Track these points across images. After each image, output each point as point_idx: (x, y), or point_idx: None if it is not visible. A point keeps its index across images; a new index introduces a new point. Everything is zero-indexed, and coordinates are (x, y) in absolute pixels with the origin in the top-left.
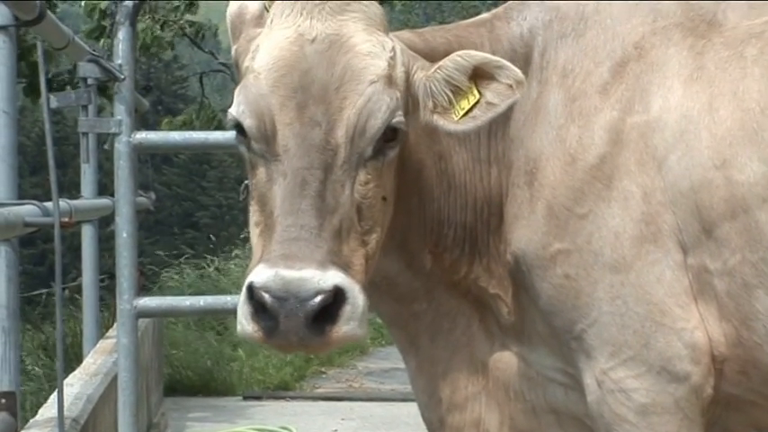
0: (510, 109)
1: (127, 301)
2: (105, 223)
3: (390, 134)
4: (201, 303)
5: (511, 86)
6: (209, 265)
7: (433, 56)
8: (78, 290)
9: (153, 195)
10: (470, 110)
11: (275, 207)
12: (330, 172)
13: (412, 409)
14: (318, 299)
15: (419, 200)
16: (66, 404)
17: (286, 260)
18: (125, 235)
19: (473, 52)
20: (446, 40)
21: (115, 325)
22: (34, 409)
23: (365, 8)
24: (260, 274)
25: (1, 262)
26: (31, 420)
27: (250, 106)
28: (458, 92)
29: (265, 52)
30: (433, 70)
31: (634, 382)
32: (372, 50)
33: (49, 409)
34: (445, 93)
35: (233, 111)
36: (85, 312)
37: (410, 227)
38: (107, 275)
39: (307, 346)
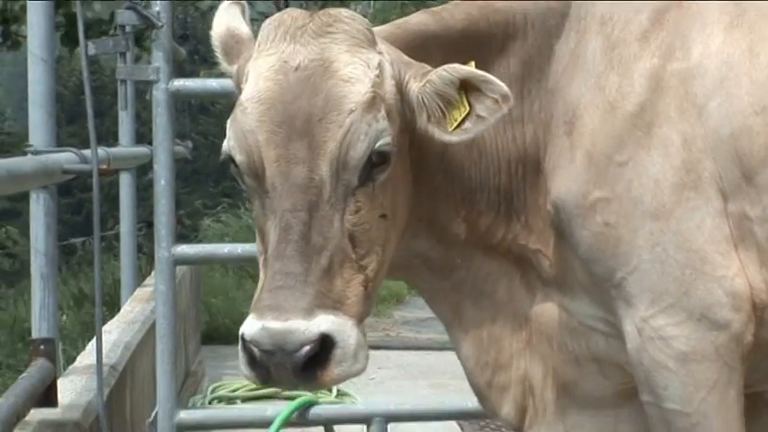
0: (545, 63)
1: (165, 248)
2: (143, 172)
3: (378, 159)
4: (239, 251)
5: (497, 101)
6: (245, 214)
7: (448, 37)
8: (116, 238)
9: (190, 144)
10: (462, 122)
11: (269, 246)
12: (316, 210)
13: (449, 357)
14: (304, 350)
15: (444, 177)
16: (104, 351)
17: (273, 311)
18: (163, 182)
19: (458, 67)
20: (468, 16)
21: (153, 273)
22: (73, 356)
23: (347, 26)
24: (249, 326)
25: (39, 209)
26: (69, 367)
27: (239, 142)
28: (449, 103)
29: (252, 82)
30: (423, 83)
31: (674, 329)
32: (353, 75)
33: (87, 357)
34: (437, 104)
35: (225, 145)
36: (123, 260)
37: (437, 205)
38: (144, 224)
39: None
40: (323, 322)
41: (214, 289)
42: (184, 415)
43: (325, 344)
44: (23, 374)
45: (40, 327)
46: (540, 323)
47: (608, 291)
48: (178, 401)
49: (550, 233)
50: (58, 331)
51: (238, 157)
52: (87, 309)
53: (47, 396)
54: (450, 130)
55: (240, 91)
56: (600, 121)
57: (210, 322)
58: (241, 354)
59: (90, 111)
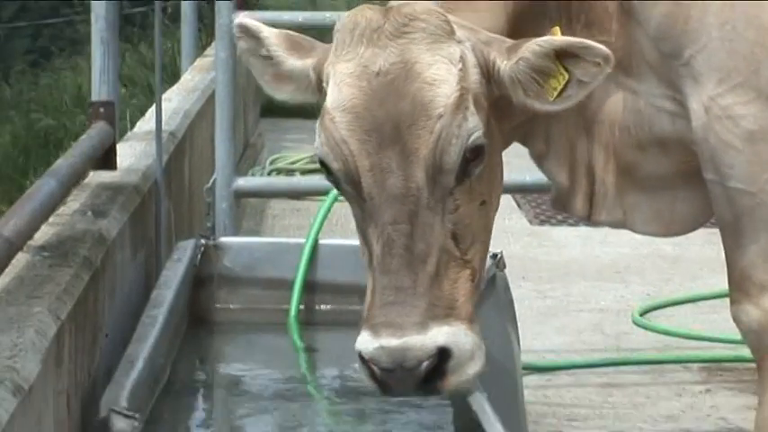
0: None
1: (225, 15)
2: None
3: (472, 154)
4: (300, 19)
5: (599, 63)
6: None
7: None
8: (177, 8)
9: None
10: (563, 90)
11: (373, 254)
12: (416, 218)
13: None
14: (423, 366)
15: None
16: (163, 118)
17: (387, 328)
18: None
19: (552, 39)
20: None
21: (212, 44)
22: (132, 122)
23: (423, 24)
24: (366, 344)
25: None
26: (128, 132)
27: (333, 151)
28: (546, 74)
29: (335, 89)
30: (515, 62)
31: (742, 108)
32: (437, 76)
33: (146, 123)
34: (533, 79)
35: (318, 150)
36: (183, 30)
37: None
38: None
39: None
40: (438, 335)
41: None
42: (242, 182)
43: (442, 356)
44: (83, 136)
45: (99, 91)
46: (602, 112)
47: (676, 69)
48: (236, 171)
49: (611, 24)
50: (118, 96)
51: (335, 165)
52: (147, 78)
53: (106, 159)
54: (551, 99)
55: (321, 90)
56: None
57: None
58: (360, 367)
59: None
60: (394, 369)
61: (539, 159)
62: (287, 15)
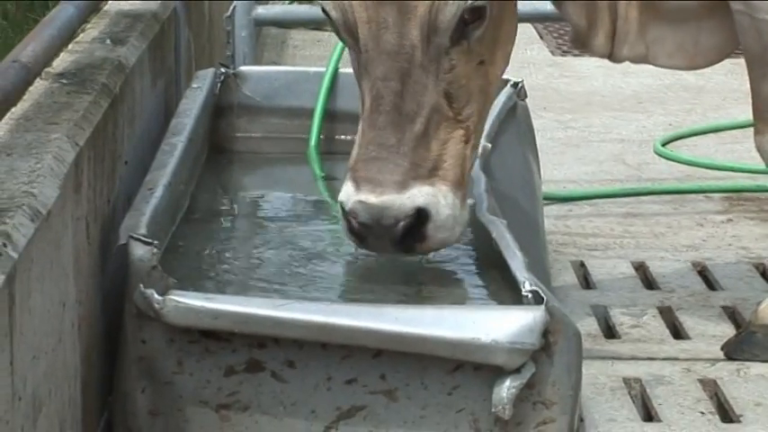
0: None
1: None
2: None
3: (471, 16)
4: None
5: None
6: None
7: None
8: None
9: None
10: None
11: (364, 107)
12: (408, 76)
13: None
14: (400, 225)
15: None
16: None
17: (368, 183)
18: None
19: None
20: None
21: None
22: None
23: None
24: (347, 196)
25: None
26: None
27: None
28: None
29: None
30: None
31: None
32: None
33: None
34: None
35: None
36: None
37: None
38: None
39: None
40: (418, 196)
41: None
42: (262, 10)
43: (420, 216)
44: None
45: None
46: None
47: None
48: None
49: None
50: None
51: (333, 14)
52: None
53: None
54: None
55: None
56: None
57: None
58: (341, 220)
59: None
60: (371, 225)
61: (557, 2)
62: None
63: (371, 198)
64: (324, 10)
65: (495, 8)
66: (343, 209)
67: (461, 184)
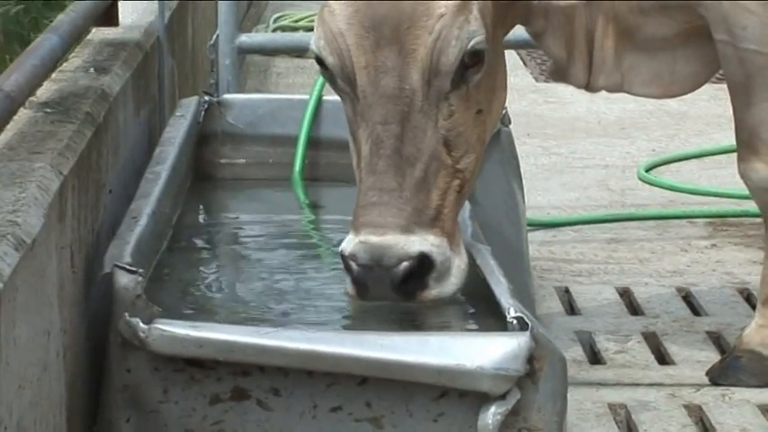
0: None
1: None
2: None
3: (471, 60)
4: None
5: None
6: None
7: None
8: None
9: None
10: None
11: (361, 156)
12: (408, 120)
13: None
14: (403, 266)
15: None
16: None
17: (369, 226)
18: None
19: None
20: None
21: None
22: None
23: None
24: (348, 242)
25: None
26: None
27: (330, 45)
28: None
29: None
30: None
31: None
32: None
33: None
34: None
35: (314, 44)
36: None
37: None
38: None
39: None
40: (423, 241)
41: None
42: (245, 38)
43: (423, 264)
44: None
45: None
46: None
47: None
48: (240, 29)
49: None
50: None
51: (329, 60)
52: None
53: (108, 15)
54: None
55: None
56: None
57: None
58: (344, 272)
59: None
60: (372, 266)
61: (537, 36)
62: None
63: (372, 238)
64: (317, 58)
65: (490, 55)
66: (343, 257)
67: (456, 236)
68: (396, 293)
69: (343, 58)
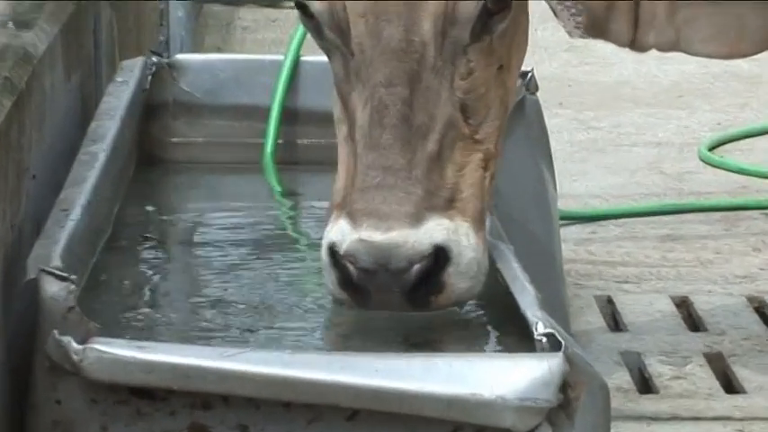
0: None
1: None
2: None
3: (495, 5)
4: None
5: None
6: None
7: None
8: None
9: None
10: None
11: (356, 126)
12: (417, 81)
13: None
14: (414, 269)
15: None
16: None
17: (370, 218)
18: None
19: None
20: None
21: None
22: None
23: None
24: (341, 235)
25: None
26: None
27: None
28: None
29: None
30: None
31: None
32: None
33: None
34: None
35: None
36: None
37: None
38: None
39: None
40: (436, 230)
41: None
42: None
43: (438, 258)
44: None
45: None
46: None
47: None
48: None
49: None
50: None
51: (315, 5)
52: None
53: None
54: None
55: None
56: None
57: None
58: (330, 271)
59: None
60: (376, 271)
61: None
62: None
63: (376, 235)
64: (299, 3)
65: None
66: (333, 253)
67: (481, 222)
68: (406, 304)
69: (334, 3)
